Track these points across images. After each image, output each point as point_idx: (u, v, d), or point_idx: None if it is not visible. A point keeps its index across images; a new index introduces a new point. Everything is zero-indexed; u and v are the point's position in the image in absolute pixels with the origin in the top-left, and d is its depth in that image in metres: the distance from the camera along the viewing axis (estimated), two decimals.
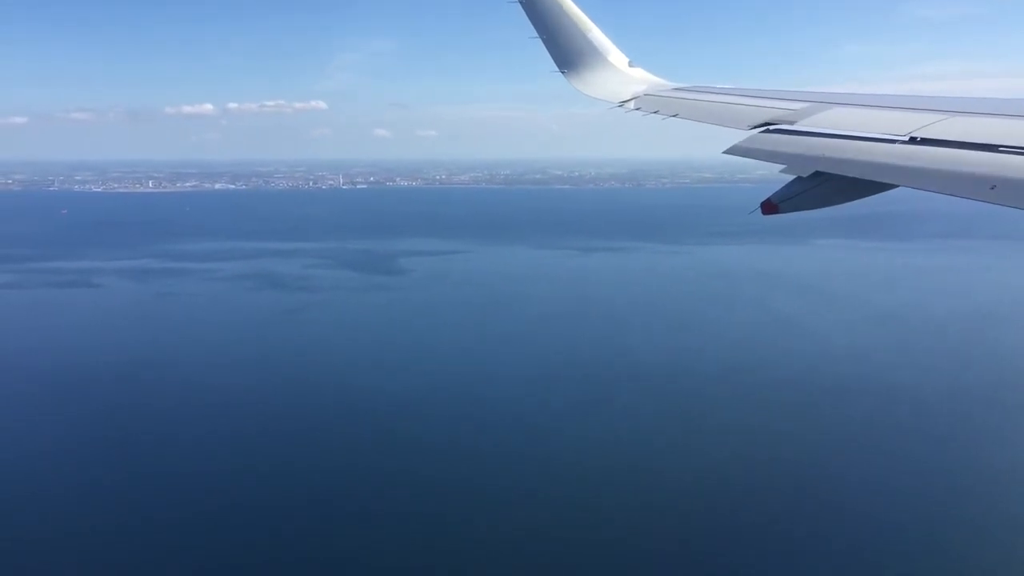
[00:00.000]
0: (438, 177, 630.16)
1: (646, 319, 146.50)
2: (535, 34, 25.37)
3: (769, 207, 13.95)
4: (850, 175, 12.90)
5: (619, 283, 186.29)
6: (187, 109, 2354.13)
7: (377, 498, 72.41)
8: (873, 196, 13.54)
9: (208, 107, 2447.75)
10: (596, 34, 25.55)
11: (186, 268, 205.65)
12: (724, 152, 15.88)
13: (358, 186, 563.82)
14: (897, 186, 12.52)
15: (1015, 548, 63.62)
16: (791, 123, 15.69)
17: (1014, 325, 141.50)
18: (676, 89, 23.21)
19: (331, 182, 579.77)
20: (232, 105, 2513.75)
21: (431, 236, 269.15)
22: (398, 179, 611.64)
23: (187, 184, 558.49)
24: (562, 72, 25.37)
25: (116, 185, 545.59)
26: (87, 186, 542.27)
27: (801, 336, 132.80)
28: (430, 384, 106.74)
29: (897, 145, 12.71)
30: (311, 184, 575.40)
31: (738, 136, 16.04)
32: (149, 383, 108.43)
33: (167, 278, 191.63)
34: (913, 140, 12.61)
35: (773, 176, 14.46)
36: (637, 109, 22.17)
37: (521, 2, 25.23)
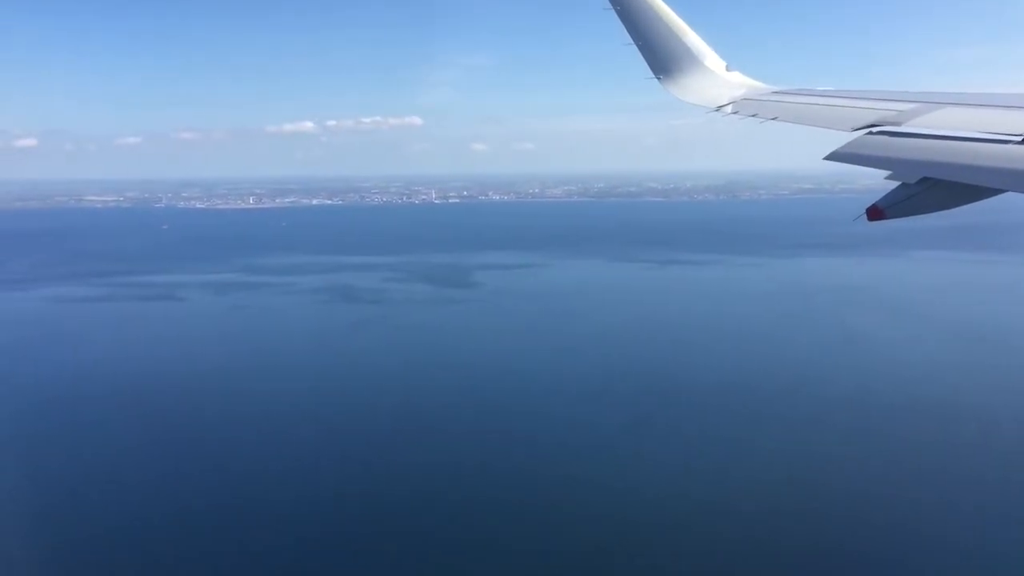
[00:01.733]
0: (531, 191, 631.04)
1: (711, 334, 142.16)
2: (629, 40, 25.17)
3: (875, 213, 13.40)
4: (959, 180, 12.37)
5: (691, 297, 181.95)
6: (288, 127, 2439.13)
7: (416, 515, 71.61)
8: (984, 202, 12.93)
9: (308, 125, 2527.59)
10: (692, 38, 25.20)
11: (266, 282, 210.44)
12: (825, 158, 15.38)
13: (450, 200, 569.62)
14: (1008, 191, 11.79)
15: None
16: (897, 124, 15.13)
17: None
18: (775, 92, 22.76)
19: (424, 197, 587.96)
20: (331, 122, 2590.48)
21: (512, 249, 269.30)
22: (491, 193, 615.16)
23: (286, 200, 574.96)
24: (657, 78, 25.06)
25: (219, 202, 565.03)
26: (192, 203, 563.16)
27: (870, 354, 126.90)
28: (474, 400, 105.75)
29: (1008, 146, 12.13)
30: (404, 199, 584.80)
31: (840, 139, 15.52)
32: (197, 391, 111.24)
33: (245, 291, 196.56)
34: None
35: (877, 185, 13.98)
36: (735, 113, 21.79)
37: (616, 8, 24.99)
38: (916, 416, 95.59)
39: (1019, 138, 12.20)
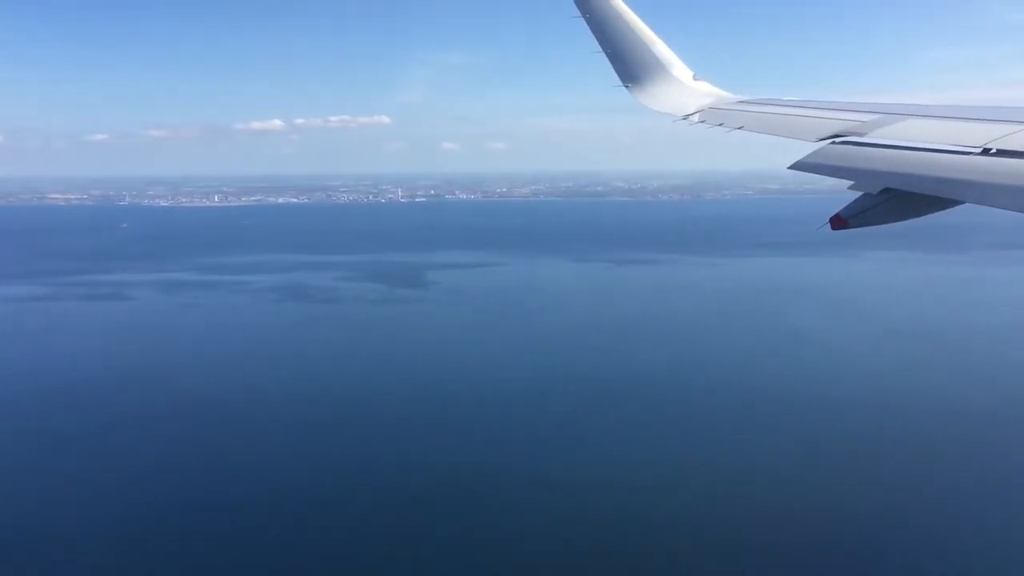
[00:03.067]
0: (498, 190, 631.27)
1: (658, 332, 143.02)
2: (599, 49, 25.36)
3: (838, 222, 13.60)
4: (919, 191, 12.53)
5: (643, 296, 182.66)
6: (256, 125, 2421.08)
7: (356, 508, 71.20)
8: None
9: (277, 123, 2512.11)
10: (660, 48, 25.53)
11: (219, 280, 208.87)
12: (789, 168, 15.56)
13: (417, 199, 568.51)
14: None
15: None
16: (860, 135, 15.41)
17: None
18: (742, 102, 23.03)
19: (391, 195, 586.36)
20: (299, 120, 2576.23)
21: (470, 249, 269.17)
22: (458, 192, 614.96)
23: (252, 198, 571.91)
24: (626, 86, 25.35)
25: (184, 200, 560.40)
26: (157, 201, 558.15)
27: (806, 351, 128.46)
28: (413, 396, 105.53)
29: (969, 157, 12.28)
30: (372, 197, 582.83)
31: (806, 148, 15.74)
32: (134, 390, 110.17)
33: (197, 290, 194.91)
34: (986, 152, 12.16)
35: (840, 187, 14.06)
36: (702, 122, 22.00)
37: (585, 17, 25.22)
38: (840, 410, 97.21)
39: (979, 149, 12.36)
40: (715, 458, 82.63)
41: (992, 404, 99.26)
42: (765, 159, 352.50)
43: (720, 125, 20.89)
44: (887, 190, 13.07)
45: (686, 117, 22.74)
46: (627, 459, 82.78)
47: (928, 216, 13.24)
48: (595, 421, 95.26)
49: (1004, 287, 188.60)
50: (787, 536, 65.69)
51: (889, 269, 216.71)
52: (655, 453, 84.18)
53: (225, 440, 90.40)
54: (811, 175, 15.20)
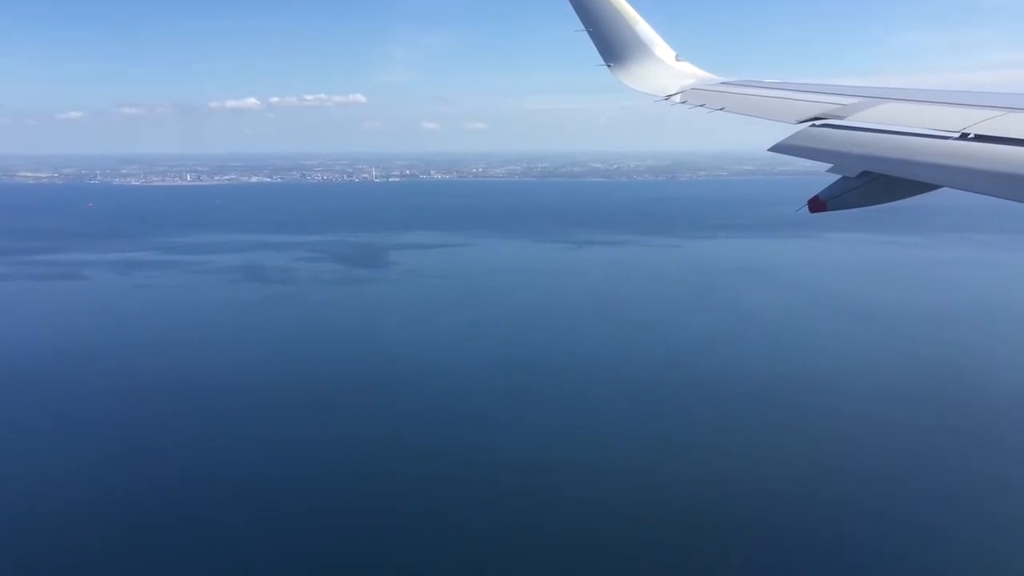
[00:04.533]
0: (474, 170, 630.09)
1: (604, 313, 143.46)
2: (582, 27, 25.33)
3: (817, 204, 13.46)
4: (897, 175, 12.55)
5: (599, 277, 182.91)
6: (231, 103, 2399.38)
7: (299, 491, 71.18)
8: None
9: (252, 101, 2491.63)
10: (643, 27, 25.36)
11: (177, 260, 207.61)
12: (769, 150, 15.55)
13: (391, 179, 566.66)
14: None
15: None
16: (840, 118, 15.42)
17: (990, 323, 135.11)
18: (723, 83, 23.02)
19: (365, 175, 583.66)
20: (274, 99, 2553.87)
21: (435, 229, 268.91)
22: (434, 172, 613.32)
23: (225, 177, 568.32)
24: (608, 66, 25.22)
25: (156, 179, 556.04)
26: (128, 179, 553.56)
27: (756, 331, 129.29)
28: (357, 377, 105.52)
29: (947, 142, 12.27)
30: (345, 177, 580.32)
31: (786, 130, 15.76)
32: (79, 371, 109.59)
33: (154, 270, 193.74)
34: (964, 136, 12.15)
35: (815, 168, 14.12)
36: (683, 103, 22.00)
37: None
38: (773, 387, 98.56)
39: (957, 134, 12.35)
40: (652, 432, 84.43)
41: (920, 383, 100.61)
42: (743, 140, 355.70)
43: (701, 106, 20.98)
44: (865, 173, 13.11)
45: (668, 98, 22.82)
46: (569, 435, 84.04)
47: (906, 199, 13.35)
48: (528, 400, 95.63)
49: (961, 268, 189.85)
50: (706, 508, 66.79)
51: (852, 251, 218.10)
52: (596, 429, 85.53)
53: (173, 423, 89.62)
54: (787, 157, 15.22)
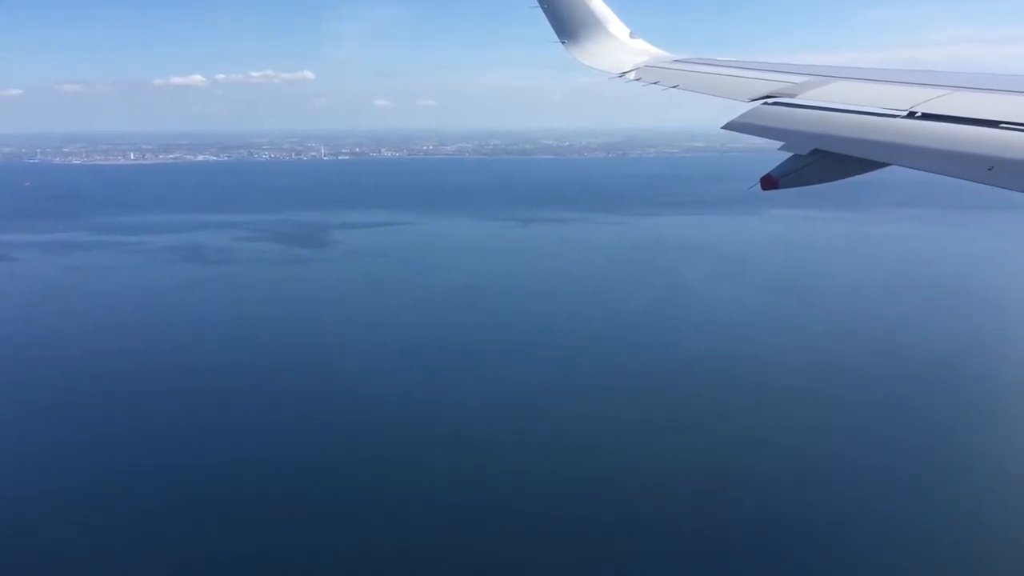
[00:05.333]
0: (425, 148, 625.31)
1: (549, 291, 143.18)
2: (536, 3, 25.33)
3: (769, 182, 13.58)
4: (846, 153, 12.71)
5: (543, 255, 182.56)
6: (176, 80, 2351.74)
7: (233, 477, 69.95)
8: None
9: (198, 78, 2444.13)
10: (597, 4, 25.31)
11: (115, 241, 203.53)
12: (722, 128, 15.78)
13: (340, 157, 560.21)
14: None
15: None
16: (791, 96, 15.55)
17: (923, 297, 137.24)
18: (677, 61, 23.02)
19: (314, 154, 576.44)
20: (220, 76, 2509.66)
21: (382, 208, 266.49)
22: (384, 150, 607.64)
23: (170, 156, 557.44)
24: (562, 42, 25.12)
25: (99, 158, 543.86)
26: (70, 158, 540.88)
27: (692, 306, 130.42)
28: (286, 360, 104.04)
29: (895, 120, 12.47)
30: (294, 155, 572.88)
31: (739, 108, 15.90)
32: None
33: (87, 251, 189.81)
34: (912, 115, 12.37)
35: (766, 145, 14.33)
36: (637, 80, 22.01)
37: None
38: (712, 364, 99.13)
39: (904, 113, 12.49)
40: (581, 409, 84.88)
41: (849, 357, 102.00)
42: (696, 117, 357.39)
43: (655, 84, 20.99)
44: (816, 151, 13.18)
45: (622, 75, 22.72)
46: (499, 410, 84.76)
47: (856, 177, 13.43)
48: (460, 378, 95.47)
49: (901, 244, 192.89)
50: (624, 477, 67.27)
51: (796, 227, 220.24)
52: (526, 404, 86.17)
53: (100, 409, 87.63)
54: (739, 134, 15.38)
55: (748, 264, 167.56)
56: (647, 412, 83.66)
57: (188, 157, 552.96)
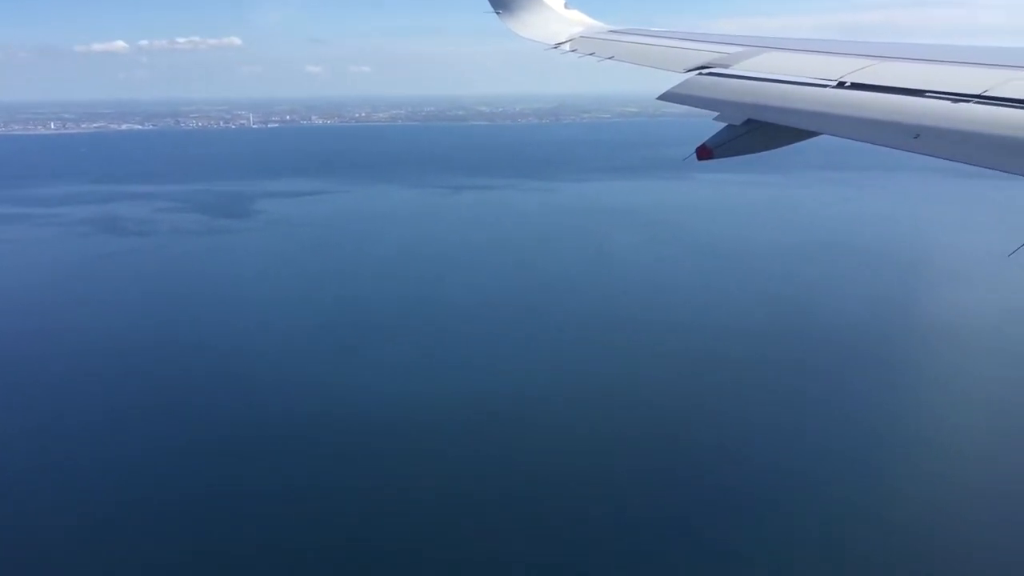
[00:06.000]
0: (357, 115, 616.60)
1: (468, 258, 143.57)
2: None
3: (704, 152, 13.74)
4: (779, 123, 12.98)
5: (468, 222, 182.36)
6: (98, 47, 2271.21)
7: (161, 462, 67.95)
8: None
9: (120, 44, 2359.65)
10: None
11: (27, 213, 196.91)
12: (658, 99, 15.94)
13: (270, 125, 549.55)
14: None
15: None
16: (725, 67, 15.70)
17: (839, 259, 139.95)
18: (612, 32, 23.03)
19: (243, 121, 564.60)
20: (144, 42, 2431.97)
21: (309, 176, 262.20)
22: (315, 117, 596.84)
23: (93, 125, 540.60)
24: (496, 12, 24.99)
25: (17, 127, 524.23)
26: None
27: (614, 272, 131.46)
28: (194, 337, 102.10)
29: (826, 90, 12.69)
30: (222, 124, 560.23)
31: (674, 79, 16.02)
32: None
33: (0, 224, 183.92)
34: (841, 85, 12.59)
35: (695, 111, 14.63)
36: (573, 51, 21.97)
37: None
38: (626, 328, 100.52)
39: (834, 83, 12.69)
40: (502, 377, 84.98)
41: (762, 319, 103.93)
42: (631, 83, 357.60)
43: (591, 55, 21.05)
44: (750, 121, 13.39)
45: (557, 46, 22.67)
46: (412, 371, 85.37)
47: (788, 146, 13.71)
48: (377, 345, 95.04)
49: (823, 207, 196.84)
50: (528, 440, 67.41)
51: (721, 191, 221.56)
52: (451, 373, 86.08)
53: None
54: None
55: (675, 229, 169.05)
56: (570, 380, 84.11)
57: (112, 126, 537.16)
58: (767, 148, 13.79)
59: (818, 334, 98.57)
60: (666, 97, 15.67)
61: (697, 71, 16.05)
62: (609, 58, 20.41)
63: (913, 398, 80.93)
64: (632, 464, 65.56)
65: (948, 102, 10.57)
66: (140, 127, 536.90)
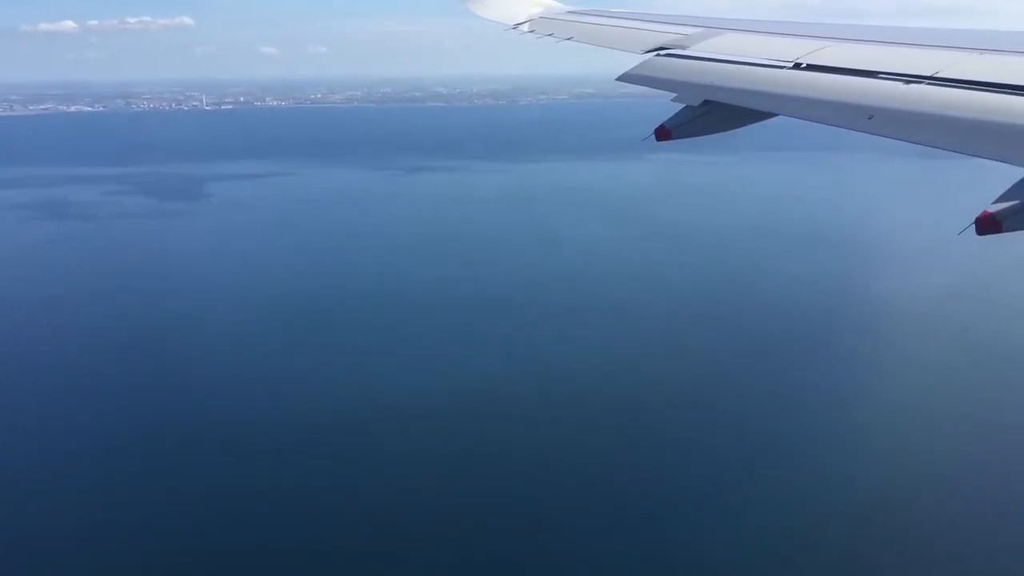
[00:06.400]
0: (312, 96, 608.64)
1: (421, 240, 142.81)
2: None
3: (663, 133, 13.81)
4: (736, 104, 13.12)
5: (419, 204, 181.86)
6: (45, 27, 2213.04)
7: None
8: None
9: (69, 24, 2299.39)
10: None
11: None
12: (616, 79, 15.98)
13: (223, 107, 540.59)
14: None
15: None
16: (683, 48, 15.70)
17: (788, 241, 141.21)
18: (571, 12, 22.95)
19: (195, 103, 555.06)
20: (93, 22, 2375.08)
21: (259, 158, 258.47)
22: (269, 99, 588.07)
23: (41, 107, 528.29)
24: None
25: None
26: None
27: (556, 254, 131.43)
28: (140, 317, 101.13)
29: (782, 72, 12.82)
30: (174, 105, 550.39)
31: (633, 60, 16.00)
32: None
33: None
34: (798, 66, 12.72)
35: (652, 92, 14.96)
36: (531, 31, 21.93)
37: None
38: (582, 316, 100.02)
39: (790, 64, 12.81)
40: (439, 360, 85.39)
41: (705, 303, 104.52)
42: (589, 63, 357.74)
43: (550, 35, 21.06)
44: (707, 102, 13.48)
45: (516, 26, 22.60)
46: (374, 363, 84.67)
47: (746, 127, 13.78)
48: (313, 328, 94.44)
49: (775, 187, 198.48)
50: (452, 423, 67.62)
51: (673, 171, 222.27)
52: (395, 356, 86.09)
53: None
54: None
55: (625, 210, 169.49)
56: (510, 364, 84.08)
57: (60, 108, 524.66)
58: (725, 129, 13.93)
59: (767, 316, 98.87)
60: (624, 78, 15.86)
61: (655, 52, 16.17)
62: (568, 39, 20.51)
63: (862, 380, 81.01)
64: (578, 452, 65.12)
65: (900, 83, 10.78)
66: (90, 109, 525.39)
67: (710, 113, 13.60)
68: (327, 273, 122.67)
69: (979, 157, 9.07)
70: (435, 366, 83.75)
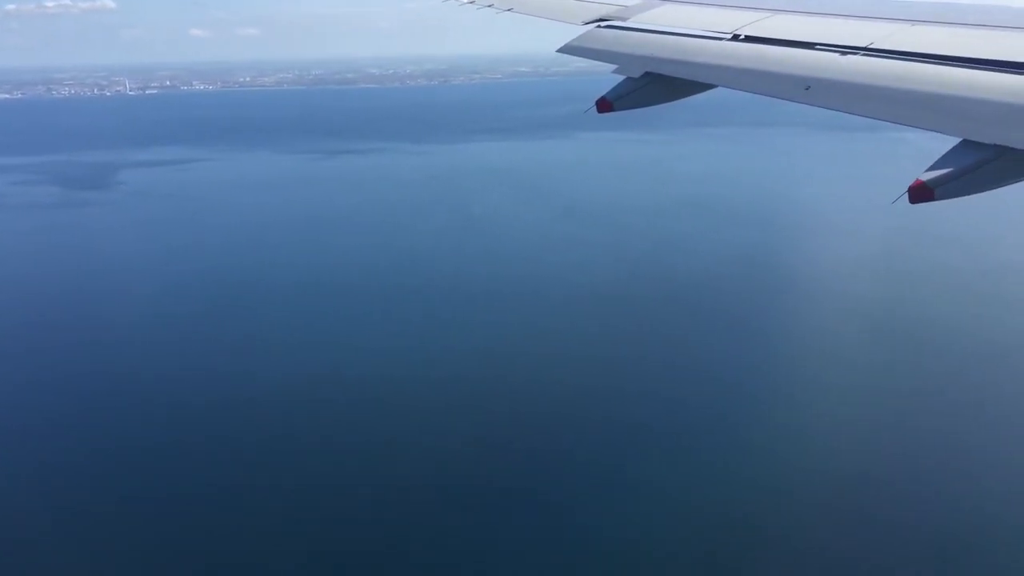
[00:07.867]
0: (241, 79, 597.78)
1: (336, 224, 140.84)
2: None
3: (604, 105, 13.71)
4: (676, 75, 13.05)
5: (337, 187, 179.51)
6: None
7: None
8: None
9: None
10: None
11: None
12: (557, 51, 15.80)
13: (148, 92, 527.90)
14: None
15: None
16: (623, 19, 15.66)
17: (714, 218, 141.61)
18: None
19: (119, 88, 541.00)
20: (11, 7, 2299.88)
21: (178, 144, 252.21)
22: (196, 83, 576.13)
23: None
24: None
25: None
26: None
27: (476, 237, 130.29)
28: (43, 311, 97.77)
29: (721, 43, 12.95)
30: (96, 91, 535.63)
31: (572, 32, 15.81)
32: None
33: None
34: (736, 38, 12.86)
35: (589, 68, 15.39)
36: (471, 3, 21.85)
37: None
38: (494, 299, 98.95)
39: (729, 35, 12.95)
40: (361, 341, 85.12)
41: (623, 283, 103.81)
42: (525, 41, 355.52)
43: (489, 7, 20.93)
44: (648, 74, 13.37)
45: None
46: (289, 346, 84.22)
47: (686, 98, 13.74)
48: (221, 317, 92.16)
49: (696, 162, 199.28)
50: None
51: (603, 150, 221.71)
52: (315, 350, 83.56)
53: None
54: (562, 58, 15.89)
55: (547, 189, 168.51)
56: (424, 343, 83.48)
57: None
58: (665, 100, 13.79)
59: (684, 294, 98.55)
60: (565, 50, 15.64)
61: (596, 24, 15.99)
62: (508, 10, 20.23)
63: (780, 356, 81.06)
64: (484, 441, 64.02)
65: (837, 54, 10.94)
66: (7, 96, 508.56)
67: (651, 84, 13.54)
68: (235, 262, 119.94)
69: (913, 127, 9.52)
70: (345, 353, 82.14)
